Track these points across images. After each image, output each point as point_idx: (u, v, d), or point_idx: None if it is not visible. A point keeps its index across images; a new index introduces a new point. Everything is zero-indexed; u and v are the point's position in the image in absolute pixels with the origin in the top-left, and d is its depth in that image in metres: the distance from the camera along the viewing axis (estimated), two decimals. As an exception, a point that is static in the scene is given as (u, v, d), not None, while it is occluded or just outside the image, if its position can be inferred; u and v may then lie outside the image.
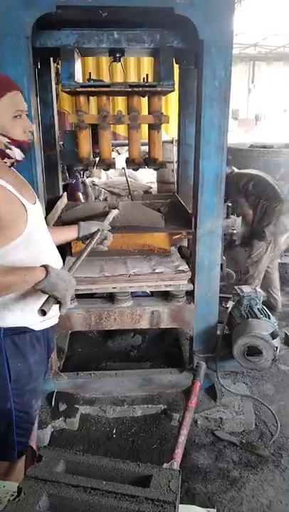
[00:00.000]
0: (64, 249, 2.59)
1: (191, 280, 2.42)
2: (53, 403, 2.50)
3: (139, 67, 8.65)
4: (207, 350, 2.52)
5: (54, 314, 1.55)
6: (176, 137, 4.05)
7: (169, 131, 8.65)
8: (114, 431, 2.48)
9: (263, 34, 11.84)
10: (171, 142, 6.99)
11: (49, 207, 2.68)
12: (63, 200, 2.96)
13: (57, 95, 2.99)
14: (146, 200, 3.01)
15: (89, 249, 1.80)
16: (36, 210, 1.59)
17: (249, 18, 9.49)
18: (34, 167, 2.14)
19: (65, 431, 2.47)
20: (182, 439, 1.62)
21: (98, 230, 1.89)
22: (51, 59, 2.69)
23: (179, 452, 1.59)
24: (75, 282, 1.47)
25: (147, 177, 7.16)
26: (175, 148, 4.92)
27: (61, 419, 2.46)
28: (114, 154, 7.81)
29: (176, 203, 2.94)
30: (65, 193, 3.08)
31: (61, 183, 3.04)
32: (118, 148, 7.67)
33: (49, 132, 2.83)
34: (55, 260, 1.58)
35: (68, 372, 2.69)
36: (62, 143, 3.07)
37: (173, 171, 6.54)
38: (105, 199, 6.25)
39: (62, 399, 2.53)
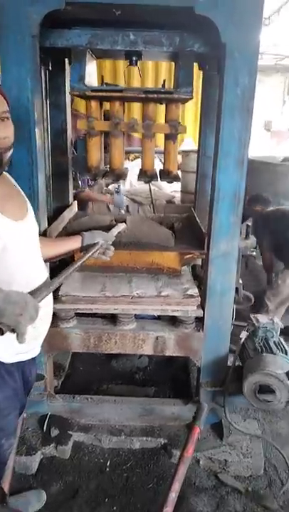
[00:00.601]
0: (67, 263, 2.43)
1: (202, 306, 2.20)
2: (44, 427, 2.33)
3: (170, 72, 8.42)
4: (215, 384, 2.29)
5: (31, 348, 1.37)
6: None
7: (197, 140, 8.44)
8: (108, 463, 2.29)
9: (301, 45, 11.49)
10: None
11: (55, 216, 2.53)
12: (72, 209, 2.80)
13: (72, 99, 2.85)
14: (160, 214, 2.82)
15: (80, 263, 1.63)
16: (25, 226, 1.42)
17: (286, 29, 9.19)
18: (36, 175, 1.99)
19: (56, 459, 2.29)
20: (173, 497, 1.41)
21: (97, 242, 1.76)
22: (66, 60, 2.55)
23: (168, 511, 1.37)
24: (35, 304, 1.23)
25: (171, 186, 6.98)
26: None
27: (52, 446, 2.28)
28: (138, 162, 7.68)
29: (191, 218, 2.73)
30: (76, 201, 2.92)
31: (72, 191, 2.88)
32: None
33: (61, 137, 2.68)
34: (34, 279, 1.40)
35: (66, 393, 2.52)
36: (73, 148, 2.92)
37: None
38: (127, 207, 6.10)
39: (55, 423, 2.35)
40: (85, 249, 1.83)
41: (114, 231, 2.09)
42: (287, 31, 9.49)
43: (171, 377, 2.90)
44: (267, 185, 4.48)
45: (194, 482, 2.19)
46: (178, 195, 7.53)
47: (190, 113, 8.12)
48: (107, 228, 2.18)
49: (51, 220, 2.44)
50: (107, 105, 2.27)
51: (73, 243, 1.86)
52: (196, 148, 7.11)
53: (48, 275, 1.54)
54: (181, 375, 2.90)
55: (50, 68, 2.31)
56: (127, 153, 7.26)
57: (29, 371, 1.53)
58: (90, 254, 1.75)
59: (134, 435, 2.36)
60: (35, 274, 1.44)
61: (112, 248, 1.90)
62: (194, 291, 2.18)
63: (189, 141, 7.63)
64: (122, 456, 2.33)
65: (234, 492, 2.15)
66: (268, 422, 2.64)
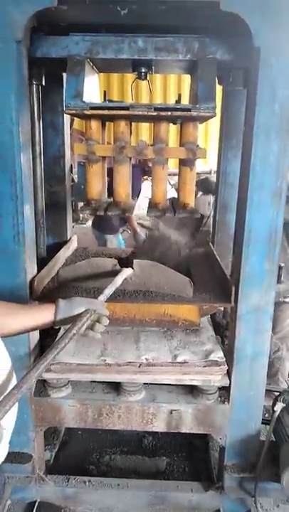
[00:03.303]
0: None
1: (227, 371, 1.77)
2: (31, 520, 1.88)
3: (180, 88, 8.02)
4: (244, 468, 1.84)
5: None
6: (214, 168, 3.51)
7: (207, 159, 8.06)
8: None
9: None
10: (209, 173, 6.44)
11: (50, 255, 2.13)
12: (70, 247, 2.40)
13: (72, 120, 2.48)
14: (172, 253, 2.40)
15: (62, 345, 1.21)
16: None
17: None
18: (20, 211, 1.61)
19: None
20: None
21: (86, 310, 1.30)
22: (64, 75, 2.18)
23: None
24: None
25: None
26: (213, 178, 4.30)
27: None
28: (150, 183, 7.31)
29: (210, 256, 2.32)
30: (75, 235, 2.52)
31: (71, 225, 2.49)
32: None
33: (58, 163, 2.30)
34: None
35: (60, 468, 2.09)
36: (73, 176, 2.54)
37: (209, 204, 5.94)
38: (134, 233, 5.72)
39: (45, 515, 1.90)
40: (61, 324, 1.33)
41: (119, 279, 1.68)
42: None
43: (186, 444, 2.44)
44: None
45: None
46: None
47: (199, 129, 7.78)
48: (110, 275, 1.77)
49: (45, 260, 2.05)
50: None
51: (43, 315, 1.32)
52: (207, 168, 6.76)
53: (10, 363, 1.15)
54: (199, 442, 2.44)
55: (44, 83, 1.95)
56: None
57: None
58: (76, 328, 1.26)
59: (143, 530, 1.90)
60: None
61: (106, 323, 1.36)
62: (219, 354, 1.75)
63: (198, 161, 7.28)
64: None
65: None
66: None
